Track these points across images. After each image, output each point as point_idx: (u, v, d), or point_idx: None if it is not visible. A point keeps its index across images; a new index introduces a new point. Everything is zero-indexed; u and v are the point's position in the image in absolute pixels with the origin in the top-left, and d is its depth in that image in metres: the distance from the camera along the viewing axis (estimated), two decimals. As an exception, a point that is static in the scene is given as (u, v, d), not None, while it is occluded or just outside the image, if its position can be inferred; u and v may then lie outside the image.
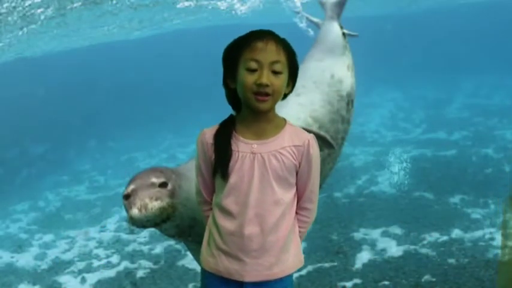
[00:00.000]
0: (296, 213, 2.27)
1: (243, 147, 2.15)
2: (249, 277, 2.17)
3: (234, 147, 2.15)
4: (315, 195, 2.28)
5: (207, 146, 2.21)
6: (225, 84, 2.20)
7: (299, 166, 2.18)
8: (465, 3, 21.08)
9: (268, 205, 2.14)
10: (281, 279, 2.22)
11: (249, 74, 2.05)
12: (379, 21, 23.31)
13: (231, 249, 2.17)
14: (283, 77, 2.09)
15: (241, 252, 2.16)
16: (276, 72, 2.06)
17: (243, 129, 2.18)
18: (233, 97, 2.20)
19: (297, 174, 2.20)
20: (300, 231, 2.30)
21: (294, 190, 2.23)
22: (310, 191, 2.25)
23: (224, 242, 2.18)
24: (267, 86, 2.04)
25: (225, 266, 2.19)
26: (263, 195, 2.14)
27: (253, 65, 2.05)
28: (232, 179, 2.15)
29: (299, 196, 2.26)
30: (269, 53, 2.05)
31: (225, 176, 2.15)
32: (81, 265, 6.17)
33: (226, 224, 2.17)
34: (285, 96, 2.20)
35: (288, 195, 2.19)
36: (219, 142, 2.17)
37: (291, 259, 2.24)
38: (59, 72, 23.36)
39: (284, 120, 2.23)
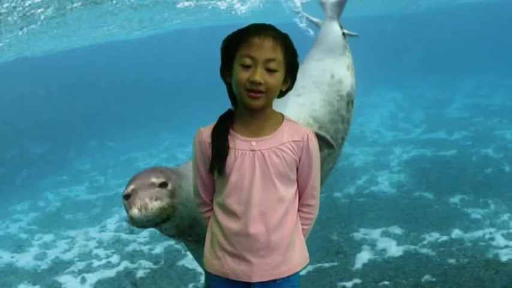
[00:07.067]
0: (298, 210, 2.24)
1: (241, 144, 2.12)
2: (257, 277, 2.14)
3: (231, 144, 2.12)
4: (317, 191, 2.25)
5: (205, 145, 2.17)
6: (222, 76, 2.16)
7: (299, 161, 2.15)
8: (465, 3, 21.07)
9: (272, 203, 2.12)
10: (288, 278, 2.20)
11: (243, 70, 2.01)
12: (379, 21, 23.29)
13: (236, 249, 2.14)
14: (278, 75, 2.05)
15: (247, 252, 2.13)
16: (270, 70, 2.02)
17: (240, 126, 2.14)
18: (230, 91, 2.16)
19: (297, 170, 2.17)
20: (303, 229, 2.27)
21: (295, 186, 2.20)
22: (311, 186, 2.22)
23: (229, 242, 2.15)
24: (260, 84, 2.00)
25: (231, 267, 2.16)
26: (266, 193, 2.11)
27: (248, 61, 2.01)
28: (233, 178, 2.12)
29: (300, 193, 2.23)
30: (265, 50, 2.00)
31: (221, 172, 2.12)
32: (81, 265, 6.17)
33: (230, 224, 2.14)
34: (284, 93, 2.16)
35: (290, 192, 2.16)
36: (216, 137, 2.13)
37: (297, 256, 2.22)
38: (59, 72, 23.31)
39: (282, 116, 2.20)
